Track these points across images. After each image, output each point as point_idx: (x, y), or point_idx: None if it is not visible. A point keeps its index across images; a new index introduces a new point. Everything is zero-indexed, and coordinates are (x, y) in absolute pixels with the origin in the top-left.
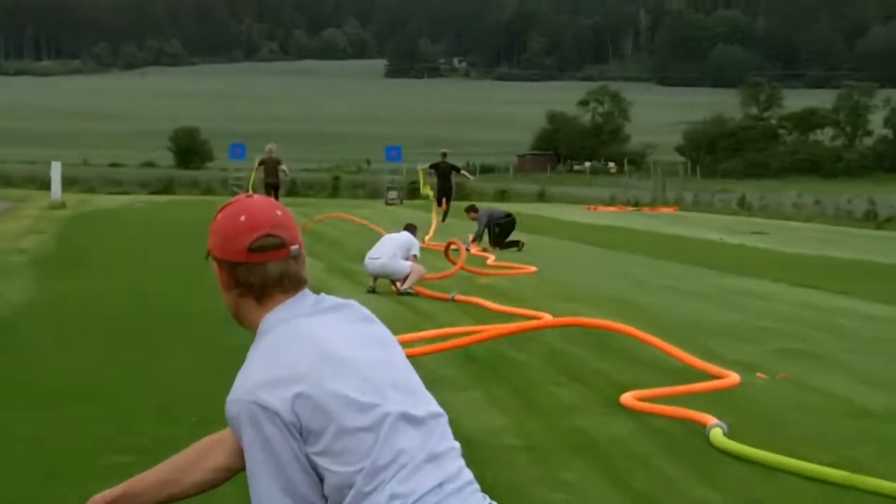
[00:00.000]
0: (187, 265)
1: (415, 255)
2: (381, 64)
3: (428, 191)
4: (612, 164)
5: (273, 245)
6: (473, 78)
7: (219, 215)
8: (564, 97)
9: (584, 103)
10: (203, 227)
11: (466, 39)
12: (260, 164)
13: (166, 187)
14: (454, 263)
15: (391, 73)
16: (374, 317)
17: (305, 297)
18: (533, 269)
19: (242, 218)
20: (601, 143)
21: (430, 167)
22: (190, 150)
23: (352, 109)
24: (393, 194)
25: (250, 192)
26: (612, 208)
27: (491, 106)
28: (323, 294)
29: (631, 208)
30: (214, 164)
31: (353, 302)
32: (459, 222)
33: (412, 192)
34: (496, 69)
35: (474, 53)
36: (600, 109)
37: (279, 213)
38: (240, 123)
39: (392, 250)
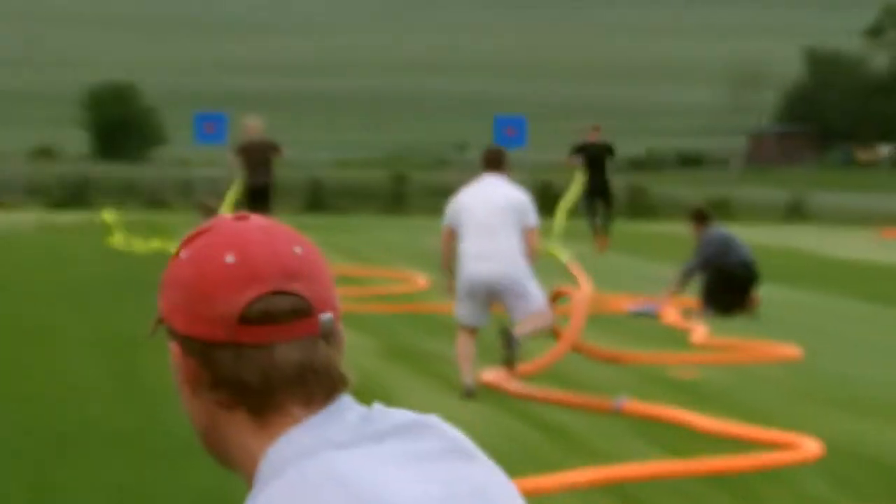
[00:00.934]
0: (113, 344)
1: (532, 231)
2: None
3: (557, 251)
4: None
5: (287, 311)
6: None
7: (182, 253)
8: (834, 24)
9: (873, 33)
10: (147, 275)
11: None
12: (239, 154)
13: (77, 196)
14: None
15: None
16: (471, 446)
17: (343, 412)
18: (789, 351)
19: (230, 258)
20: None
21: (576, 151)
22: (121, 125)
23: (425, 49)
24: None
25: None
26: None
27: (691, 40)
28: (377, 404)
29: None
30: (167, 153)
31: (431, 419)
32: (631, 263)
33: (546, 199)
34: None
35: None
36: None
37: (298, 249)
38: (212, 76)
39: (509, 229)
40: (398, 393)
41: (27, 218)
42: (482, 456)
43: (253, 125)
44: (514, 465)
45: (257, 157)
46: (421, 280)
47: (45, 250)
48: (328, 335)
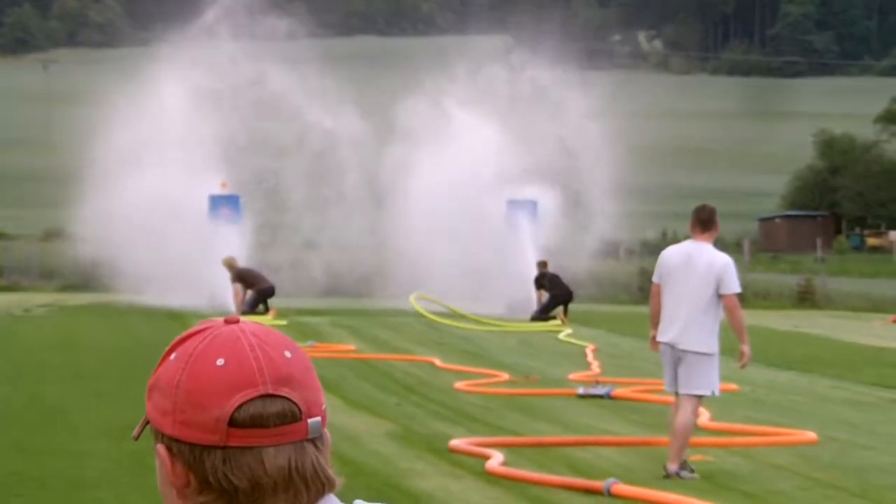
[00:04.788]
0: (126, 431)
1: (730, 297)
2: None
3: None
4: None
5: (276, 415)
6: (677, 72)
7: (173, 354)
8: (850, 107)
9: (888, 119)
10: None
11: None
12: (240, 281)
13: (91, 279)
14: None
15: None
16: None
17: None
18: (802, 436)
19: (220, 361)
20: None
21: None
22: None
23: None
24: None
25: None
26: None
27: (707, 124)
28: (358, 502)
29: None
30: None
31: None
32: None
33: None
34: (720, 54)
35: (676, 25)
36: None
37: (288, 353)
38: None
39: (704, 296)
40: (411, 476)
41: (36, 301)
42: None
43: (230, 261)
44: None
45: (253, 273)
46: (438, 364)
47: (57, 336)
48: (316, 440)
